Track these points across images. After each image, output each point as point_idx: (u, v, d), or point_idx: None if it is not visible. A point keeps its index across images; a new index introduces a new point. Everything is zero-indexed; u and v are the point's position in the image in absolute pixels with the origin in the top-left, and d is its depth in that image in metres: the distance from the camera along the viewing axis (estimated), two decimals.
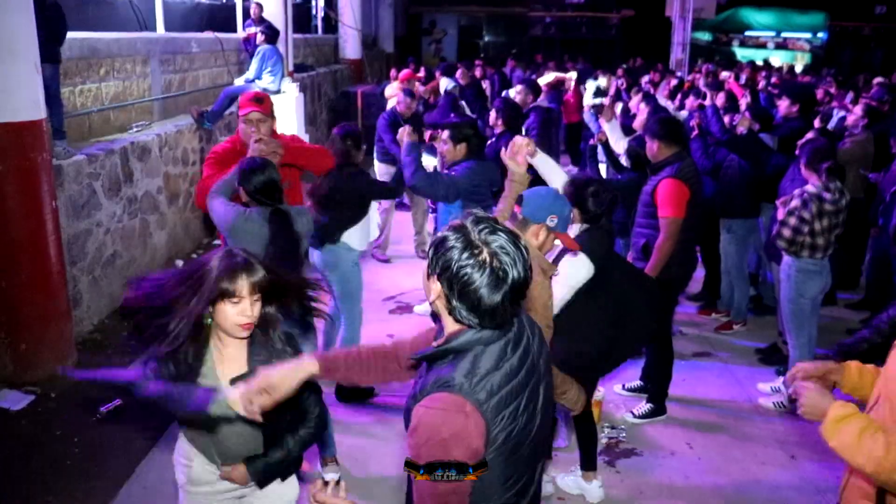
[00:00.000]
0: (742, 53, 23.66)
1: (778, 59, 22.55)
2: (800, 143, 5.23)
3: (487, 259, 1.79)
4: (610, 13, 24.23)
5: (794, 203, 4.71)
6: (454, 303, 1.83)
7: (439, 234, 1.90)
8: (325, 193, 4.78)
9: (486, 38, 26.13)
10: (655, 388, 5.05)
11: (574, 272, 3.52)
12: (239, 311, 2.34)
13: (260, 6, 10.46)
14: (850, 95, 8.91)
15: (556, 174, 3.81)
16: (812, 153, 4.82)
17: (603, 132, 6.10)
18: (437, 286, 1.86)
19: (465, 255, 1.79)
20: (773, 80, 13.05)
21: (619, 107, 8.15)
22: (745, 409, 5.25)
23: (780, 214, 5.26)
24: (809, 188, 4.77)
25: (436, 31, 25.25)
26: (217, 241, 8.34)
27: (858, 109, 6.70)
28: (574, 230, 3.55)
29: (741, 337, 6.32)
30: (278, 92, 8.04)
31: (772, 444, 4.79)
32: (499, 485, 1.92)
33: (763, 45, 24.33)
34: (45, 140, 5.03)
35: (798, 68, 20.37)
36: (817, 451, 4.58)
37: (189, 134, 8.04)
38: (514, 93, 7.71)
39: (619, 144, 6.07)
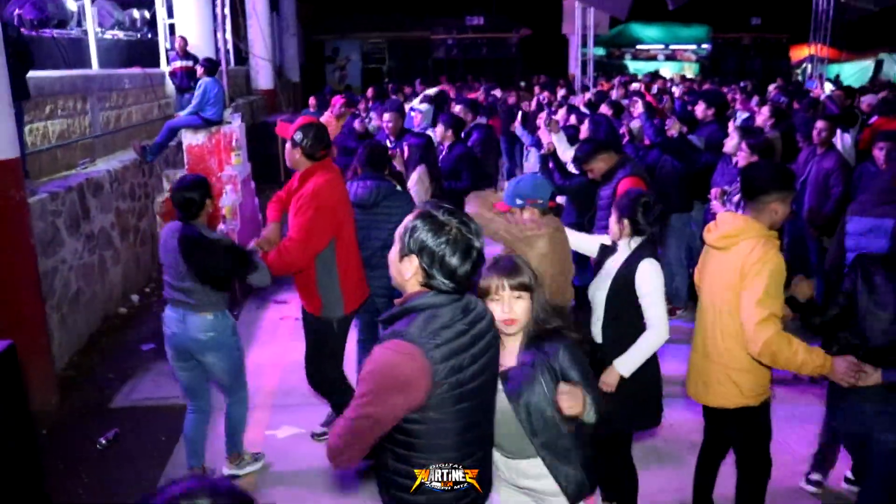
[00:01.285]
0: (634, 66, 24.95)
1: (668, 69, 23.87)
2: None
3: (457, 235, 2.23)
4: (509, 33, 25.08)
5: None
6: (433, 272, 2.23)
7: (407, 223, 2.29)
8: None
9: (390, 63, 26.57)
10: None
11: (660, 282, 3.59)
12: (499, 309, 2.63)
13: (184, 40, 10.53)
14: (756, 98, 9.74)
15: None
16: (767, 151, 5.41)
17: (551, 143, 6.52)
18: (413, 263, 2.26)
19: (440, 234, 2.22)
20: (677, 89, 13.89)
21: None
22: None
23: (716, 205, 5.82)
24: None
25: (339, 58, 25.54)
26: None
27: (766, 110, 7.39)
28: (623, 244, 3.70)
29: (684, 319, 6.82)
30: (221, 122, 8.17)
31: None
32: (451, 431, 2.27)
33: (653, 58, 25.72)
34: (22, 178, 5.08)
35: (688, 75, 21.70)
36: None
37: (134, 169, 8.07)
38: (458, 111, 8.10)
39: (567, 153, 6.52)
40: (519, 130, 8.99)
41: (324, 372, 4.48)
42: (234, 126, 8.12)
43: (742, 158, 5.56)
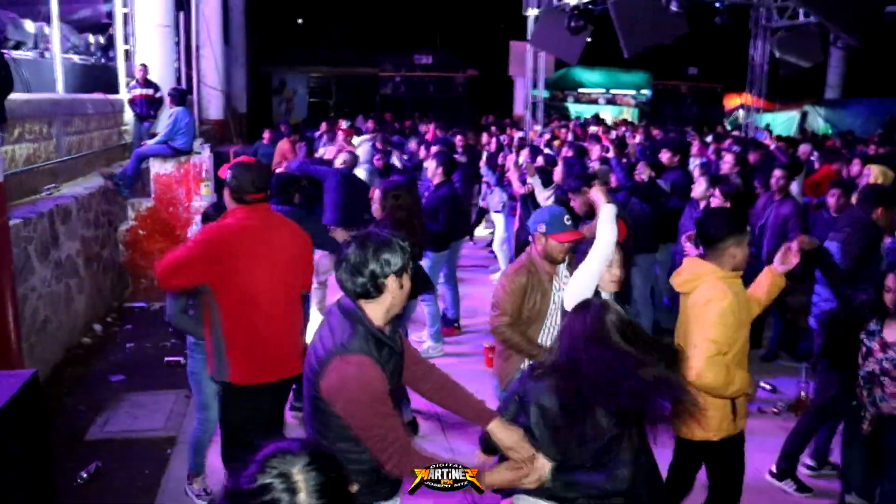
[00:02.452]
0: (575, 109, 25.64)
1: (608, 113, 24.61)
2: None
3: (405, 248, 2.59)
4: (456, 72, 25.52)
5: None
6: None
7: (349, 256, 2.55)
8: None
9: (336, 98, 26.69)
10: None
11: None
12: None
13: (145, 67, 10.45)
14: (714, 146, 10.19)
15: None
16: (738, 199, 5.70)
17: (530, 184, 6.72)
18: (394, 283, 2.57)
19: (397, 251, 2.56)
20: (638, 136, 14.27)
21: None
22: None
23: (688, 247, 6.08)
24: None
25: (286, 91, 25.54)
26: (132, 304, 8.22)
27: (730, 158, 7.75)
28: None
29: None
30: (191, 152, 8.12)
31: None
32: None
33: (594, 101, 26.47)
34: (6, 202, 4.97)
35: (627, 119, 22.44)
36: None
37: (99, 196, 7.93)
38: (434, 151, 8.26)
39: (543, 194, 6.73)
40: (484, 170, 9.20)
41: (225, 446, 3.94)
42: (204, 156, 8.09)
43: (714, 204, 5.83)
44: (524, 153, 9.22)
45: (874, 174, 7.52)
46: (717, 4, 14.14)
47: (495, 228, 9.77)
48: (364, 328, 2.55)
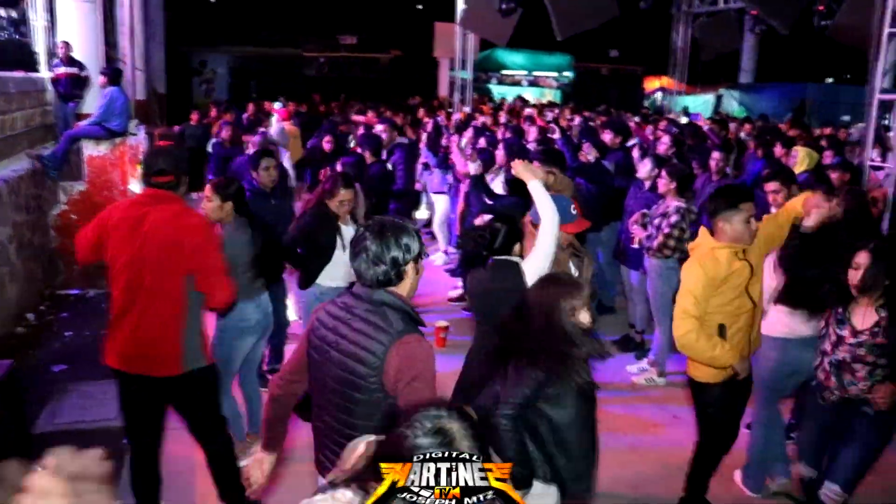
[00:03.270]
0: (498, 90, 25.81)
1: (530, 95, 24.85)
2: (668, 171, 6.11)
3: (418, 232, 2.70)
4: (381, 53, 25.32)
5: (675, 218, 5.65)
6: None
7: (368, 245, 2.58)
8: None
9: (259, 79, 26.06)
10: None
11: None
12: None
13: (67, 45, 9.99)
14: (650, 128, 10.44)
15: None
16: (684, 179, 5.84)
17: (478, 168, 6.77)
18: (412, 268, 2.65)
19: (413, 235, 2.64)
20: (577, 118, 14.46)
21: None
22: (624, 387, 6.19)
23: (636, 229, 6.25)
24: (680, 204, 5.74)
25: (206, 71, 24.84)
26: (66, 291, 7.92)
27: (667, 139, 7.96)
28: None
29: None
30: (125, 134, 7.83)
31: (656, 410, 5.72)
32: None
33: (518, 83, 26.69)
34: None
35: (545, 101, 22.73)
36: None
37: (28, 179, 7.58)
38: (380, 130, 8.18)
39: (487, 176, 6.79)
40: (424, 152, 9.19)
41: None
42: (140, 138, 7.83)
43: (662, 185, 5.99)
44: (467, 134, 9.27)
45: (800, 156, 7.87)
46: None
47: (434, 209, 9.80)
48: (402, 310, 2.59)
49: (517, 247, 4.06)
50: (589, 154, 7.11)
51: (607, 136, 8.07)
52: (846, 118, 20.06)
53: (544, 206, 3.88)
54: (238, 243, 4.49)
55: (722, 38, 15.99)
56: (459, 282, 8.48)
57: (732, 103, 23.96)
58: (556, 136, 7.94)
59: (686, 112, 20.45)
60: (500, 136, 9.75)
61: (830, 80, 28.63)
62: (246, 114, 14.90)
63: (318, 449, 2.78)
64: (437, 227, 9.63)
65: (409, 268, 2.61)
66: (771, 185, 5.27)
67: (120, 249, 3.62)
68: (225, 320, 4.52)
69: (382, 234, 2.56)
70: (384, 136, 7.79)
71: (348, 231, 5.13)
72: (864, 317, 3.62)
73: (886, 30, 7.02)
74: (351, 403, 2.59)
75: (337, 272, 5.10)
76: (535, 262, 3.85)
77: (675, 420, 5.57)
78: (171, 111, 19.70)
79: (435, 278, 8.64)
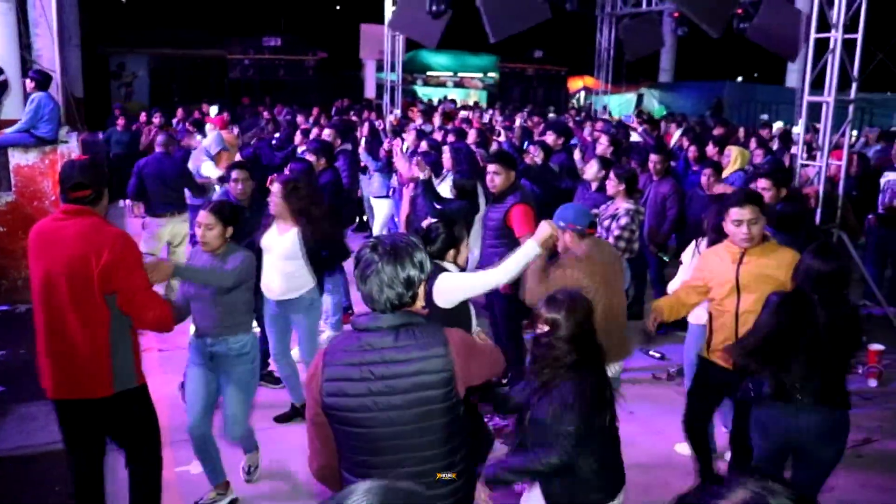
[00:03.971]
0: (423, 91, 25.84)
1: (456, 95, 24.97)
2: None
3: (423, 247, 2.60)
4: (306, 55, 25.00)
5: (625, 220, 5.74)
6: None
7: (380, 269, 2.43)
8: None
9: (181, 81, 25.40)
10: None
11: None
12: None
13: None
14: (589, 128, 10.60)
15: None
16: (632, 180, 5.95)
17: (428, 172, 6.74)
18: (423, 289, 2.53)
19: (422, 250, 2.53)
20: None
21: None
22: None
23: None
24: (629, 206, 5.85)
25: (125, 74, 24.05)
26: None
27: (605, 140, 8.10)
28: None
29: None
30: (55, 141, 7.50)
31: None
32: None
33: (443, 84, 26.79)
34: None
35: (470, 102, 22.89)
36: (650, 402, 5.69)
37: None
38: (327, 135, 8.07)
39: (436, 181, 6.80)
40: (363, 156, 9.12)
41: None
42: (72, 145, 7.53)
43: (611, 187, 6.09)
44: (409, 136, 9.24)
45: (734, 155, 8.14)
46: None
47: (374, 214, 9.75)
48: (422, 317, 2.51)
49: (451, 252, 4.05)
50: (536, 156, 7.18)
51: (550, 138, 8.17)
52: (764, 116, 20.86)
53: (515, 265, 3.87)
54: (244, 270, 4.35)
55: (646, 39, 16.39)
56: None
57: (653, 102, 24.60)
58: (501, 138, 7.99)
59: (607, 111, 20.92)
60: (438, 138, 9.77)
61: (740, 78, 29.67)
62: (175, 119, 14.55)
63: None
64: (376, 231, 9.59)
65: (421, 289, 2.50)
66: (762, 183, 5.54)
67: (35, 268, 3.53)
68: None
69: (394, 255, 2.42)
70: (328, 139, 7.70)
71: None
72: None
73: (813, 35, 7.33)
74: (433, 434, 2.42)
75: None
76: (453, 284, 3.84)
77: (630, 417, 5.66)
78: (89, 116, 19.00)
79: None
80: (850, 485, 4.73)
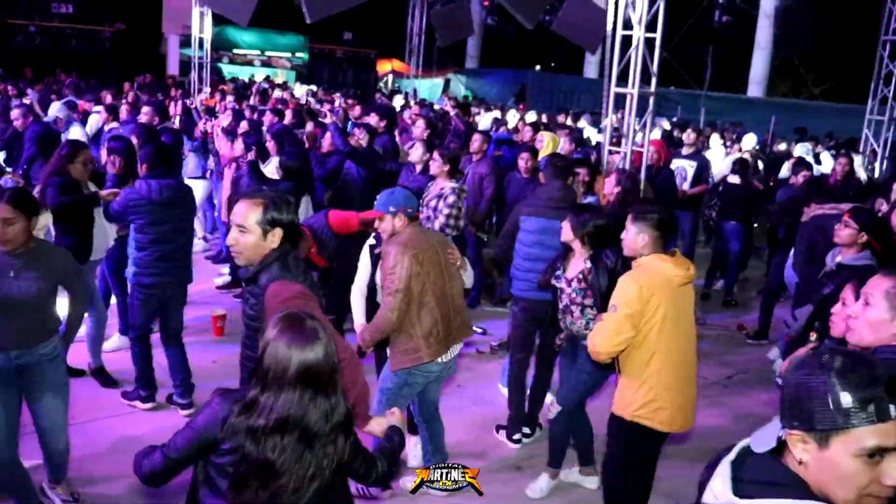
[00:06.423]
0: (229, 70, 25.00)
1: (262, 75, 24.39)
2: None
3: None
4: (101, 26, 23.33)
5: (452, 198, 6.00)
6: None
7: None
8: None
9: None
10: None
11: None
12: None
13: None
14: (408, 112, 10.82)
15: None
16: (454, 161, 6.23)
17: (253, 157, 6.69)
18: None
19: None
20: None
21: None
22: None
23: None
24: (454, 185, 6.13)
25: None
26: None
27: (422, 123, 8.38)
28: None
29: None
30: None
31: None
32: None
33: (250, 63, 26.07)
34: None
35: (279, 81, 22.49)
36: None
37: None
38: (144, 113, 7.70)
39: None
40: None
41: None
42: None
43: (435, 167, 6.34)
44: (226, 116, 9.04)
45: (546, 140, 8.68)
46: None
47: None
48: None
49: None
50: (361, 138, 7.30)
51: (372, 120, 8.31)
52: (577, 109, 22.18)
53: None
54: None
55: (457, 26, 16.91)
56: (224, 268, 8.30)
57: (460, 87, 25.37)
58: (328, 120, 8.02)
59: (414, 94, 21.32)
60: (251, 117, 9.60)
61: (538, 67, 31.20)
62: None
63: None
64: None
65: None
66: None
67: None
68: None
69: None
70: (145, 118, 7.39)
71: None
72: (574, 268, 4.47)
73: (620, 32, 7.98)
74: None
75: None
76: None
77: (458, 389, 5.98)
78: None
79: (197, 267, 8.36)
80: None
